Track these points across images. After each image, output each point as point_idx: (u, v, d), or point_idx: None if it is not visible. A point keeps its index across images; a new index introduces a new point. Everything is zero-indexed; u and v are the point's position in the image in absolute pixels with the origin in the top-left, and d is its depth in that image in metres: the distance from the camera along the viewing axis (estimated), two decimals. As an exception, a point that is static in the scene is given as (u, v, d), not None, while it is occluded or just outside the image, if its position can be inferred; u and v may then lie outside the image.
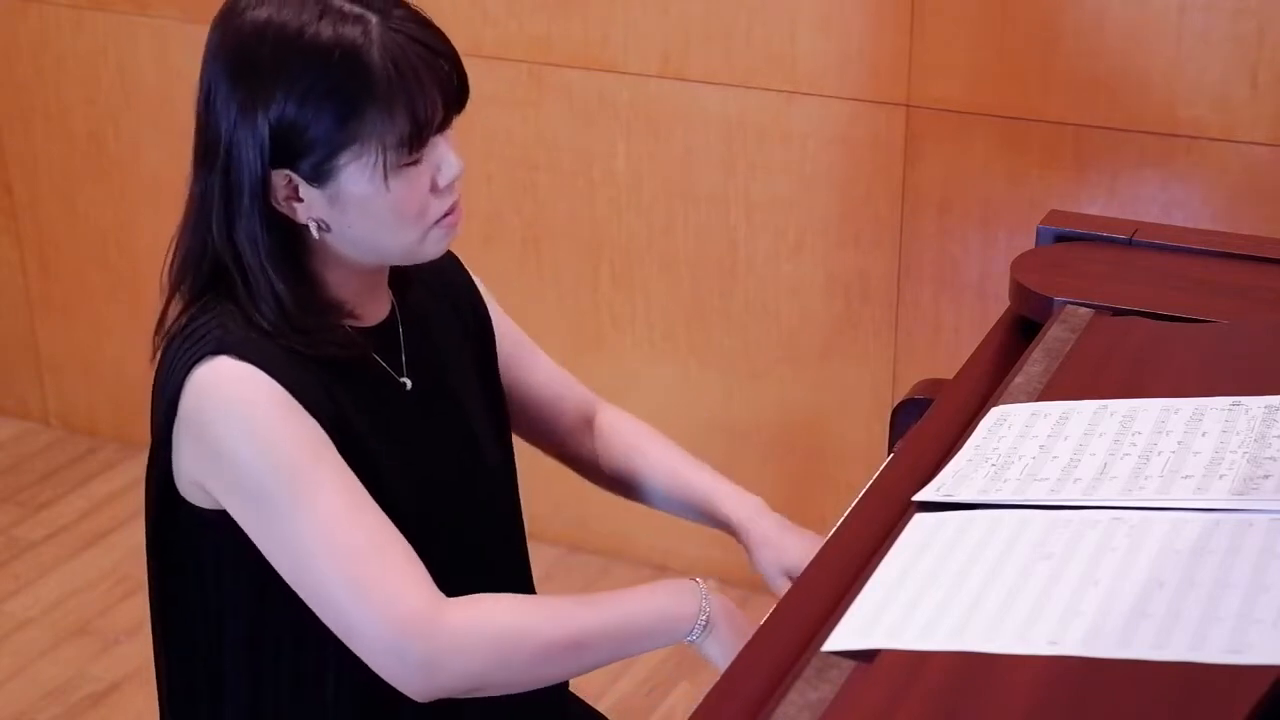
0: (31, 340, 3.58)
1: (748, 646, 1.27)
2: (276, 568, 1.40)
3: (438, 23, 1.45)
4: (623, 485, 1.76)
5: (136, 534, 3.23)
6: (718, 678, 1.23)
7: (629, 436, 1.75)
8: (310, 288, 1.45)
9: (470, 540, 1.56)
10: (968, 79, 2.54)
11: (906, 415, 1.74)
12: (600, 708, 1.78)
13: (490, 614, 1.39)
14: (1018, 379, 1.52)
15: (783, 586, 1.64)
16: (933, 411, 1.59)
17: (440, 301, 1.61)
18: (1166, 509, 1.23)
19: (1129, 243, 1.82)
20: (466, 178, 1.51)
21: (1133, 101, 2.44)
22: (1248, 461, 1.28)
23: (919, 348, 2.72)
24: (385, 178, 1.39)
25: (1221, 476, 1.27)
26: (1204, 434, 1.34)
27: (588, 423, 1.76)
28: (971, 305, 2.65)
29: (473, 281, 1.67)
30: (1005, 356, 1.64)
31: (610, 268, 2.93)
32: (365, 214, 1.41)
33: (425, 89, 1.38)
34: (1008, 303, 1.77)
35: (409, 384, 1.53)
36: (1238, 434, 1.33)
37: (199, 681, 1.53)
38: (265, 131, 1.37)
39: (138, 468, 3.42)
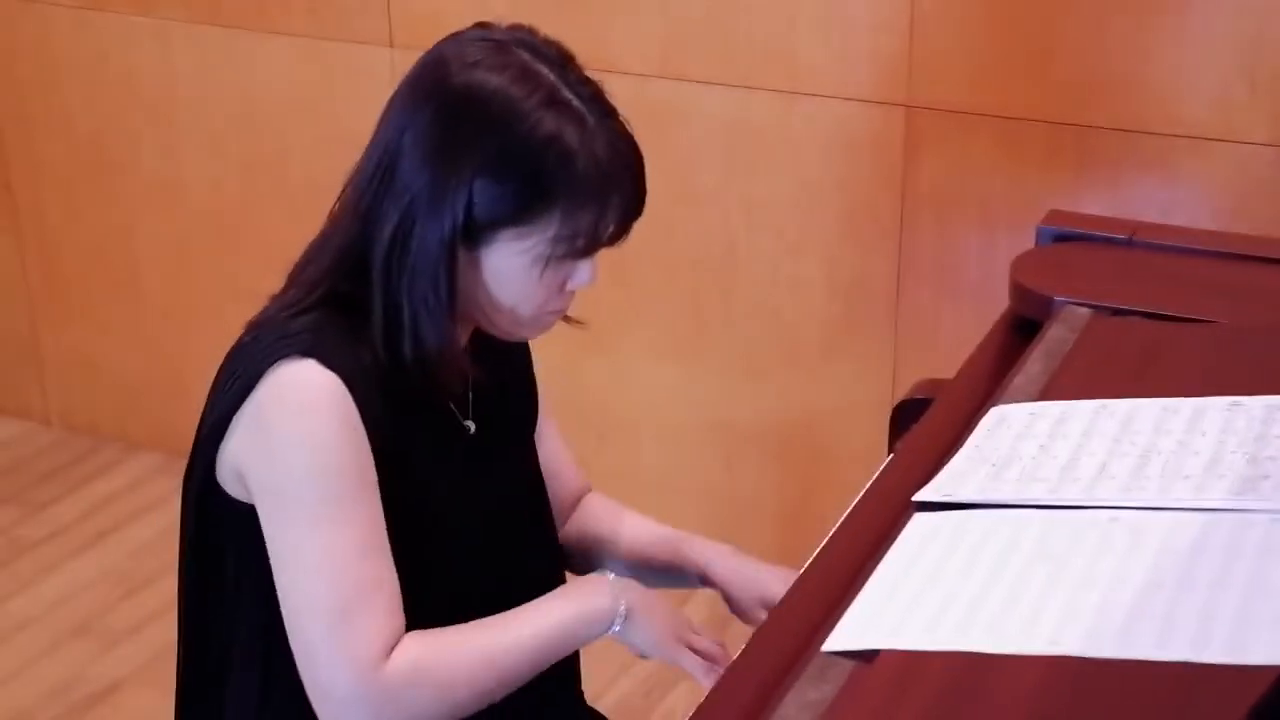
0: (32, 340, 3.58)
1: (749, 646, 1.27)
2: (274, 570, 1.41)
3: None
4: (591, 559, 1.74)
5: (137, 534, 3.25)
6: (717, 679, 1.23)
7: (601, 513, 1.75)
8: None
9: (508, 576, 1.58)
10: (968, 79, 2.54)
11: (906, 415, 1.74)
12: (600, 708, 1.78)
13: (413, 663, 1.40)
14: (1017, 379, 1.52)
15: (759, 617, 1.64)
16: (932, 412, 1.59)
17: (504, 350, 1.61)
18: (1166, 509, 1.24)
19: (1129, 243, 1.82)
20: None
21: (1132, 101, 2.44)
22: (1247, 461, 1.28)
23: (919, 348, 2.72)
24: (532, 266, 1.42)
25: (1221, 476, 1.27)
26: (1203, 434, 1.34)
27: (575, 506, 1.75)
28: (971, 305, 2.64)
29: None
30: (1005, 357, 1.64)
31: (610, 268, 2.92)
32: (496, 285, 1.44)
33: (612, 207, 1.42)
34: (1008, 303, 1.77)
35: (472, 427, 1.54)
36: (1237, 434, 1.33)
37: (209, 669, 1.54)
38: (461, 198, 1.38)
39: (138, 468, 3.45)
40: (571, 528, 1.74)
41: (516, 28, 1.46)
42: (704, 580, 1.68)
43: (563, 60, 1.43)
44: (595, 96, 1.43)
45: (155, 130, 3.23)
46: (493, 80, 1.39)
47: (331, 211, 1.49)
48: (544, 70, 1.41)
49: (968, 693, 1.07)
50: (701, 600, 2.93)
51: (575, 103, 1.40)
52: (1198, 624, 1.08)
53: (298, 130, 3.08)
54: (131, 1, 3.16)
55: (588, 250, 1.44)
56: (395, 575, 1.42)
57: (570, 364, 2.96)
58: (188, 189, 3.26)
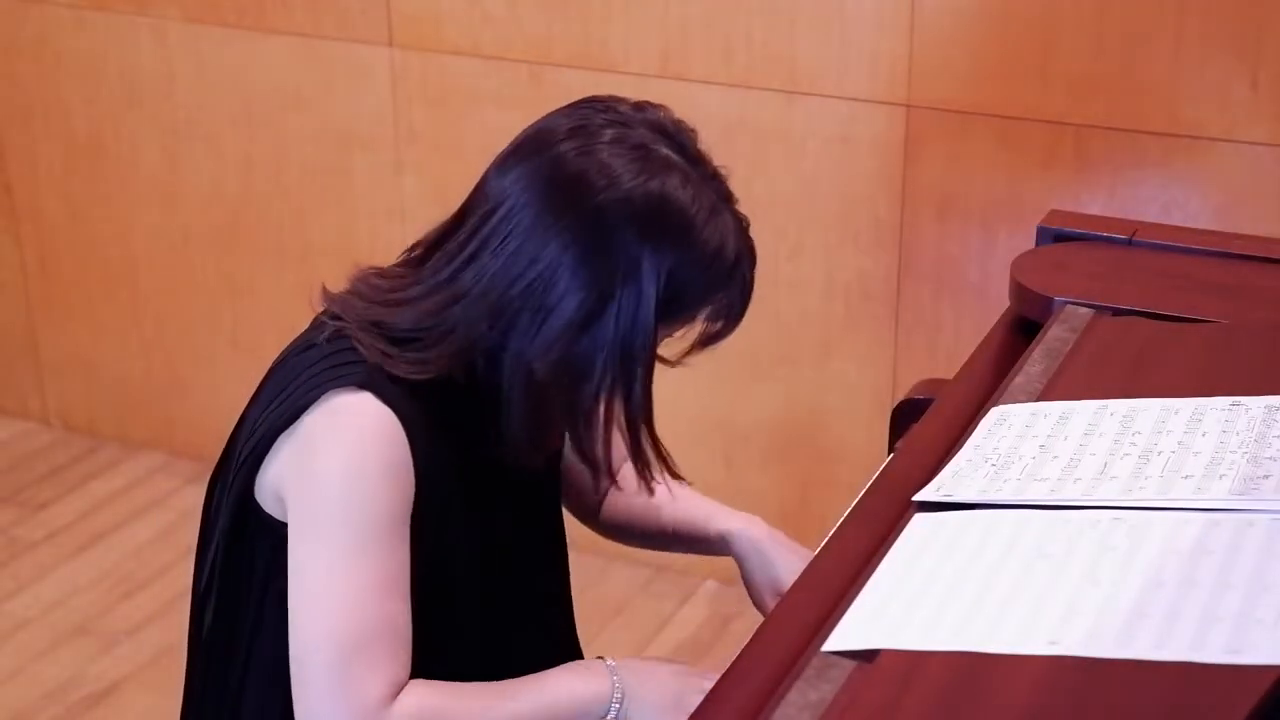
0: (31, 340, 3.58)
1: (749, 646, 1.27)
2: (289, 591, 1.40)
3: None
4: (619, 531, 1.76)
5: (136, 534, 3.25)
6: (718, 678, 1.23)
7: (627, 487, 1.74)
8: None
9: (521, 603, 1.59)
10: (968, 79, 2.54)
11: (906, 415, 1.74)
12: (600, 708, 1.78)
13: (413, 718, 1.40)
14: (1018, 379, 1.52)
15: (769, 602, 1.64)
16: (933, 411, 1.59)
17: None
18: (1167, 509, 1.24)
19: (1129, 243, 1.82)
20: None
21: (1133, 101, 2.44)
22: (1248, 461, 1.28)
23: (919, 348, 2.72)
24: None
25: (1222, 476, 1.27)
26: (1204, 434, 1.34)
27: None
28: (971, 305, 2.65)
29: None
30: (1005, 356, 1.64)
31: (610, 268, 2.92)
32: None
33: (730, 323, 1.48)
34: (1008, 303, 1.77)
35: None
36: (1238, 434, 1.33)
37: (229, 671, 1.53)
38: (652, 290, 1.39)
39: (138, 468, 3.45)
40: (618, 497, 1.73)
41: (682, 126, 1.55)
42: (727, 549, 1.71)
43: (713, 169, 1.58)
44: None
45: (154, 130, 3.23)
46: (683, 197, 1.49)
47: (463, 255, 1.44)
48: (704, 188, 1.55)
49: (968, 693, 1.07)
50: (701, 599, 2.93)
51: (739, 221, 1.54)
52: (1198, 624, 1.08)
53: (297, 130, 3.07)
54: (131, 1, 3.16)
55: (689, 351, 1.49)
56: (409, 621, 1.41)
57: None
58: (186, 188, 3.26)
